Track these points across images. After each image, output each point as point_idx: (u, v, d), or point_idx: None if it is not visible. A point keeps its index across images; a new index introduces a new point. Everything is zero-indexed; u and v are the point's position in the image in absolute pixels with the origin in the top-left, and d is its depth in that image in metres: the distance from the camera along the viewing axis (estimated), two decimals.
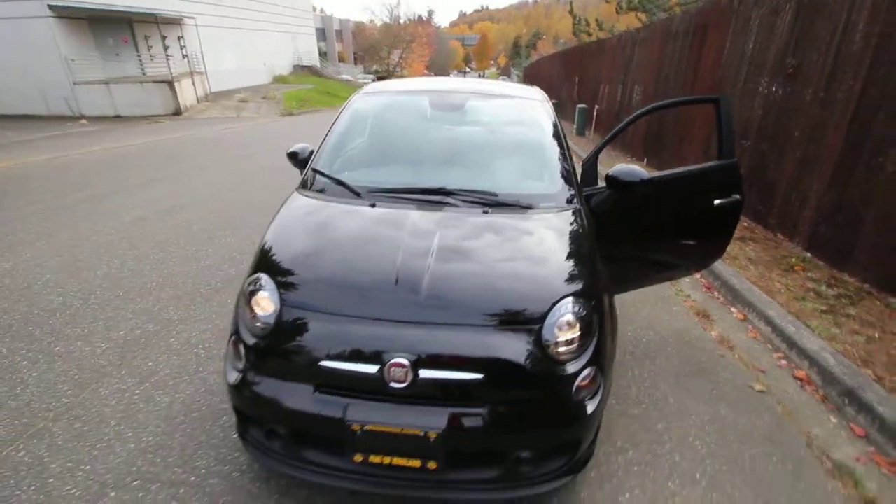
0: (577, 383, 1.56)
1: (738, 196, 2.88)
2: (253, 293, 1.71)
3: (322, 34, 39.87)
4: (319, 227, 1.97)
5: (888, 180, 3.45)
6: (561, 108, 15.16)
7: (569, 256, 1.83)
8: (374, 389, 1.51)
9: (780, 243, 4.53)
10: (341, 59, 44.21)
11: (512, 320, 1.58)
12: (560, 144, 2.42)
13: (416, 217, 1.95)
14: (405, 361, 1.47)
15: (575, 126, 12.97)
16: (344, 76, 35.23)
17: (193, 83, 18.27)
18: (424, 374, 1.48)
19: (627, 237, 2.52)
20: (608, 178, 2.31)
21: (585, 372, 1.58)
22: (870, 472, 2.00)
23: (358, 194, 2.14)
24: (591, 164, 2.52)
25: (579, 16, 16.43)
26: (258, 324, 1.65)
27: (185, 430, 2.11)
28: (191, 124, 14.35)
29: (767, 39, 5.44)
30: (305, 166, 2.53)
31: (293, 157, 2.63)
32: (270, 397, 1.59)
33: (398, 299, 1.59)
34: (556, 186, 2.23)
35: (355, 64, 44.14)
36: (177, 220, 5.10)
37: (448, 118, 2.56)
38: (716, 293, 3.71)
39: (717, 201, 2.82)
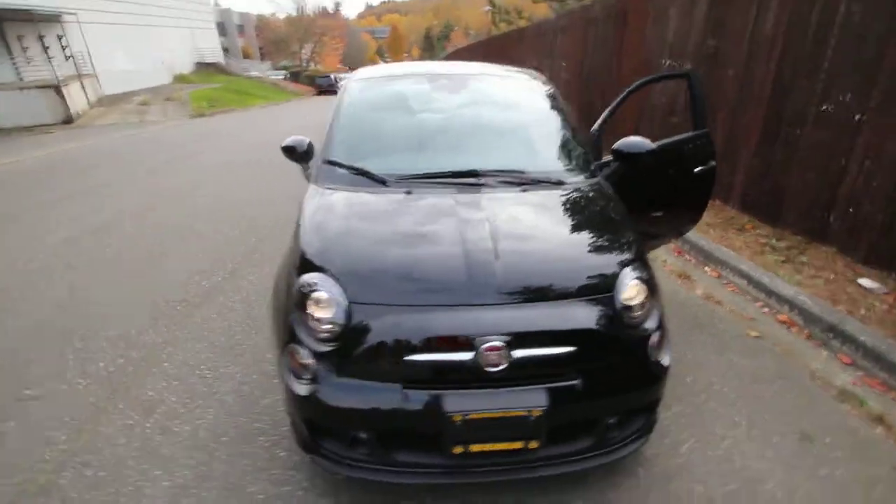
0: (651, 343, 1.63)
1: (713, 163, 3.12)
2: (308, 295, 1.58)
3: (222, 29, 37.14)
4: (362, 219, 1.86)
5: (804, 149, 3.93)
6: None
7: (615, 225, 1.89)
8: (468, 377, 1.46)
9: (721, 208, 4.99)
10: (246, 55, 41.49)
11: (587, 291, 1.60)
12: (569, 120, 2.48)
13: (459, 200, 1.90)
14: (500, 344, 1.44)
15: None
16: (253, 73, 33.18)
17: (83, 87, 16.27)
18: (518, 353, 1.46)
19: (634, 208, 2.65)
20: (615, 151, 2.40)
21: (656, 331, 1.65)
22: (867, 393, 2.29)
23: (385, 182, 2.04)
24: (596, 138, 2.60)
25: (499, 5, 16.79)
26: (325, 326, 1.53)
27: (221, 457, 1.91)
28: (88, 133, 12.77)
29: (687, 24, 5.91)
30: (305, 160, 2.37)
31: (290, 151, 2.44)
32: (354, 402, 1.49)
33: (475, 283, 1.55)
34: (578, 161, 2.29)
35: (262, 60, 41.69)
36: (112, 238, 4.54)
37: (454, 100, 2.51)
38: (687, 256, 4.03)
39: (696, 169, 3.04)
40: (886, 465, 1.89)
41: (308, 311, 1.57)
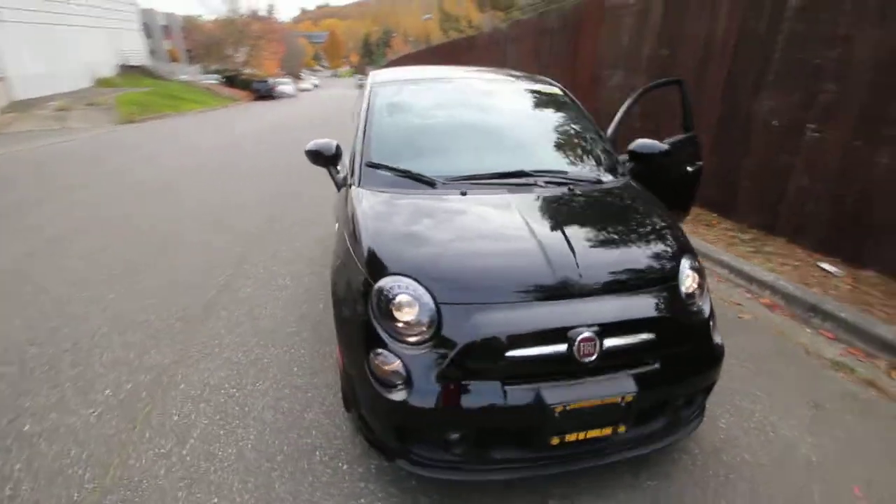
0: (712, 326, 1.76)
1: (700, 163, 3.40)
2: (391, 300, 1.56)
3: (148, 30, 34.69)
4: (427, 220, 1.85)
5: (754, 148, 4.37)
6: None
7: (662, 219, 2.02)
8: (563, 369, 1.51)
9: None
10: (173, 59, 39.01)
11: (657, 281, 1.71)
12: (592, 123, 2.60)
13: (516, 199, 1.95)
14: (592, 335, 1.50)
15: None
16: (182, 76, 31.24)
17: None
18: (608, 343, 1.53)
19: None
20: (630, 152, 2.56)
21: (712, 315, 1.79)
22: (854, 362, 2.59)
23: (434, 184, 2.05)
24: (611, 140, 2.75)
25: (448, 13, 17.03)
26: (415, 329, 1.52)
27: (281, 477, 1.81)
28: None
29: (640, 34, 6.34)
30: (333, 163, 2.33)
31: (315, 155, 2.39)
32: (453, 403, 1.48)
33: (560, 277, 1.60)
34: (607, 162, 2.41)
35: (190, 63, 39.38)
36: (80, 249, 4.13)
37: (482, 103, 2.55)
38: None
39: (688, 168, 3.30)
40: (887, 418, 2.16)
41: (394, 317, 1.55)
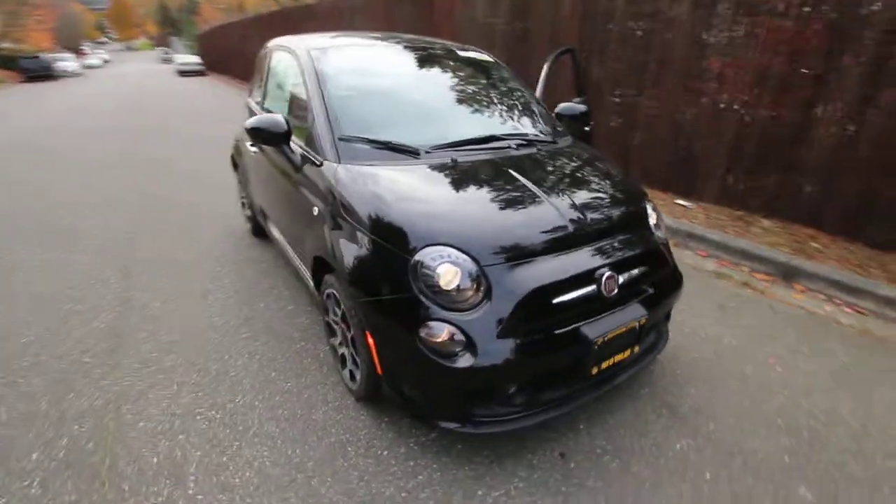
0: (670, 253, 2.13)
1: (592, 122, 3.89)
2: (435, 270, 1.55)
3: None
4: (437, 189, 1.83)
5: (603, 111, 5.09)
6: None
7: (615, 170, 2.31)
8: (594, 306, 1.69)
9: None
10: None
11: (638, 220, 2.00)
12: (528, 88, 2.78)
13: (505, 163, 2.03)
14: (612, 272, 1.71)
15: None
16: None
17: None
18: (622, 278, 1.76)
19: None
20: (558, 115, 2.84)
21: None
22: (728, 271, 3.34)
23: (417, 153, 2.01)
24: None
25: None
26: (464, 295, 1.54)
27: (323, 481, 1.68)
28: None
29: (496, 6, 6.76)
30: (283, 141, 2.13)
31: (259, 133, 2.13)
32: (515, 358, 1.55)
33: (573, 228, 1.76)
34: (551, 123, 2.62)
35: None
36: None
37: (428, 71, 2.51)
38: None
39: (585, 128, 3.76)
40: (768, 308, 2.89)
41: (440, 286, 1.54)
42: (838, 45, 3.37)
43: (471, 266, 1.57)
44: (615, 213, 1.95)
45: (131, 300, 2.89)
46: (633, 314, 1.76)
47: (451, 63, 2.62)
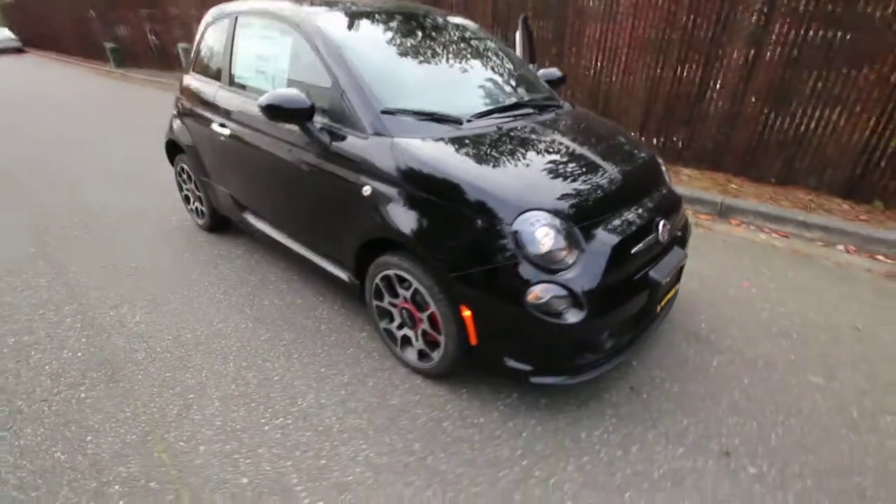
0: None
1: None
2: (533, 234, 1.61)
3: None
4: (506, 157, 1.84)
5: None
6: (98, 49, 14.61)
7: (621, 128, 2.51)
8: (654, 252, 1.89)
9: None
10: None
11: (662, 174, 2.22)
12: (517, 56, 2.84)
13: (545, 127, 2.11)
14: (665, 220, 1.92)
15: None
16: None
17: None
18: (668, 225, 1.97)
19: None
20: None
21: None
22: (780, 240, 3.74)
23: (460, 122, 1.99)
24: None
25: None
26: (562, 255, 1.62)
27: (437, 458, 1.68)
28: None
29: None
30: (307, 117, 1.95)
31: (278, 111, 1.93)
32: (613, 307, 1.70)
33: (629, 185, 1.93)
34: (547, 88, 2.72)
35: None
36: None
37: (435, 39, 2.42)
38: None
39: None
40: (738, 246, 3.40)
41: (540, 249, 1.60)
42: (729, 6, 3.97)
43: (564, 227, 1.65)
44: (650, 169, 2.15)
45: (98, 320, 2.45)
46: (678, 255, 1.99)
47: (449, 31, 2.56)
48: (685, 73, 4.38)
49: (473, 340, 1.76)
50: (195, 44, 2.97)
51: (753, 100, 4.07)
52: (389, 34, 2.31)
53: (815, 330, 2.41)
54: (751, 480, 1.62)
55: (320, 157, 2.05)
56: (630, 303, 1.78)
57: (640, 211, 1.89)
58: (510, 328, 1.68)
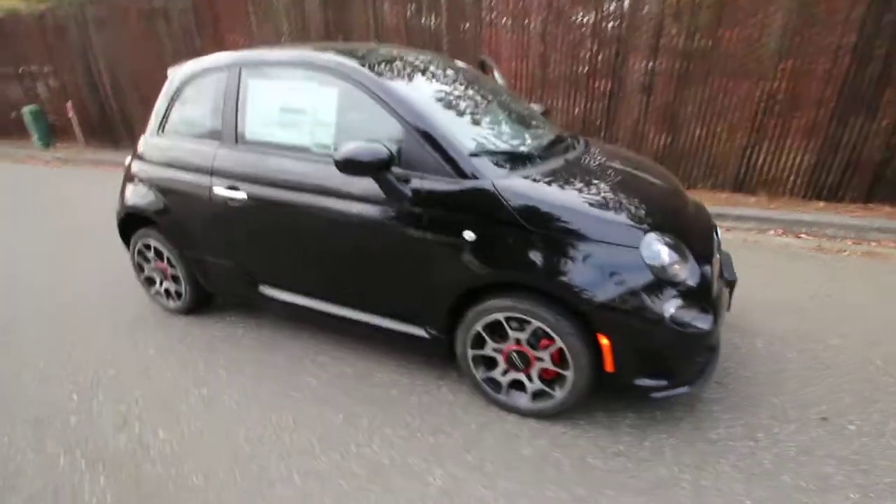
0: None
1: None
2: (659, 254, 1.73)
3: None
4: (600, 188, 1.94)
5: None
6: None
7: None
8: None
9: None
10: None
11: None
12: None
13: (598, 158, 2.28)
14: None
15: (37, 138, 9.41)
16: None
17: None
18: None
19: None
20: None
21: None
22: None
23: (532, 159, 2.05)
24: None
25: None
26: (680, 269, 1.75)
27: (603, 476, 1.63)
28: None
29: (302, 20, 6.77)
30: (386, 168, 1.85)
31: (357, 165, 1.82)
32: (722, 309, 1.87)
33: (680, 195, 2.21)
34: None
35: None
36: None
37: (457, 83, 2.42)
38: None
39: None
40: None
41: (665, 266, 1.72)
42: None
43: (672, 242, 1.77)
44: (677, 182, 2.41)
45: (111, 453, 1.91)
46: (727, 256, 2.26)
47: (463, 73, 2.59)
48: (589, 108, 5.09)
49: (610, 367, 1.77)
50: (164, 103, 2.58)
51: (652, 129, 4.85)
52: (432, 80, 2.29)
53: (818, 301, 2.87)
54: (855, 435, 1.86)
55: (400, 209, 1.93)
56: (726, 301, 1.96)
57: (699, 216, 2.11)
58: (649, 347, 1.74)
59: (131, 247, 2.88)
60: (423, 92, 2.12)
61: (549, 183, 1.88)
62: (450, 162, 1.85)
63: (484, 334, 1.94)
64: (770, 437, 1.86)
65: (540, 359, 1.88)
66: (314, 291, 2.36)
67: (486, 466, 1.78)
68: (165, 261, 2.76)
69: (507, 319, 1.87)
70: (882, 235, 3.62)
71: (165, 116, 2.59)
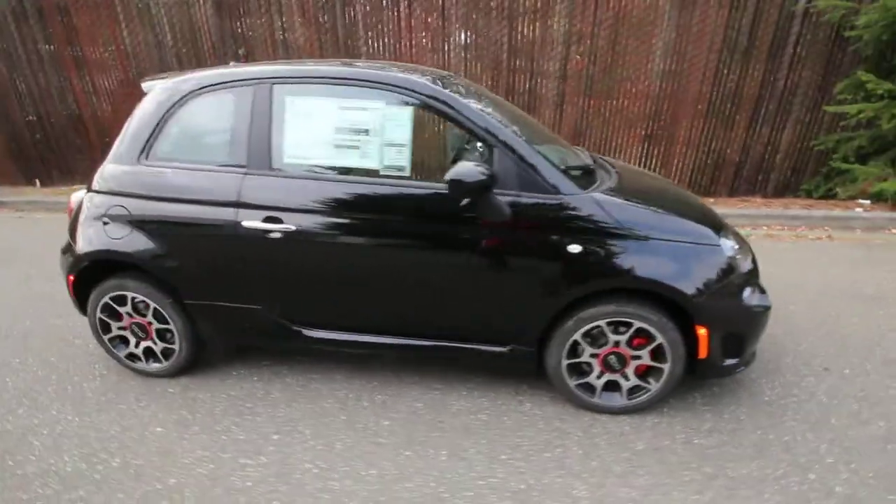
0: None
1: None
2: (730, 245, 2.02)
3: None
4: (652, 195, 2.17)
5: None
6: None
7: None
8: None
9: None
10: None
11: None
12: None
13: (619, 169, 2.48)
14: None
15: None
16: None
17: None
18: None
19: None
20: None
21: None
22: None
23: (591, 170, 2.23)
24: None
25: None
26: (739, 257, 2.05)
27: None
28: None
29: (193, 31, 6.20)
30: (488, 189, 1.84)
31: (462, 187, 1.77)
32: None
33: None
34: None
35: None
36: None
37: (494, 99, 2.45)
38: None
39: None
40: None
41: (736, 254, 2.02)
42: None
43: (727, 236, 2.08)
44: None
45: None
46: None
47: (486, 94, 2.62)
48: None
49: (704, 354, 1.96)
50: (149, 124, 2.10)
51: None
52: (480, 99, 2.27)
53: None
54: (848, 377, 2.36)
55: (498, 227, 1.90)
56: None
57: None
58: (735, 331, 1.98)
59: (91, 303, 2.27)
60: (490, 111, 2.11)
61: (626, 197, 2.03)
62: (546, 179, 1.89)
63: (582, 342, 2.00)
64: (828, 393, 2.22)
65: (637, 357, 2.01)
66: (379, 325, 2.16)
67: (614, 468, 1.83)
68: (150, 314, 2.24)
69: (610, 324, 1.96)
70: (772, 221, 4.60)
71: (151, 140, 2.12)
